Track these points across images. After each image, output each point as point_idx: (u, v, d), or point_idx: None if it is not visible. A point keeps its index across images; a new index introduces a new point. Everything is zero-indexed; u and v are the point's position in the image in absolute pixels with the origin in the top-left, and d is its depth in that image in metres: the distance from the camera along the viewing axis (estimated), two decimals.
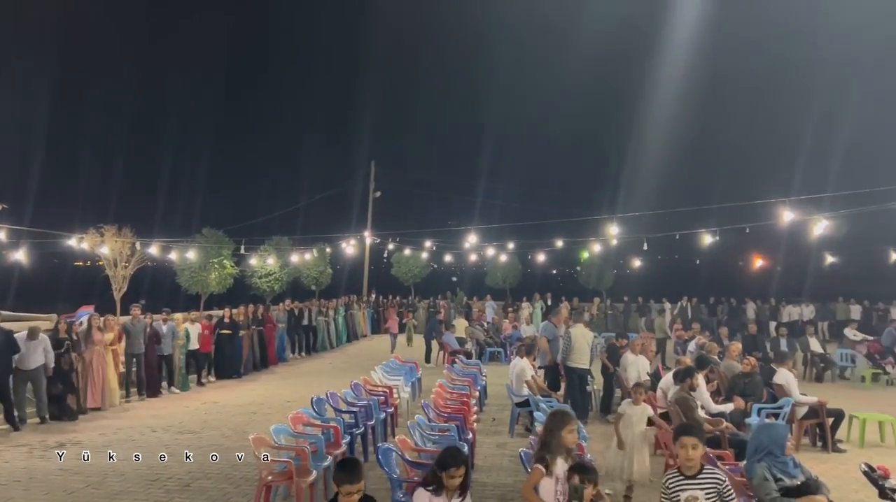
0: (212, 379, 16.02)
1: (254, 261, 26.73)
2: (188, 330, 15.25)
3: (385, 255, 33.55)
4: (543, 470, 4.36)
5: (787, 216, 14.20)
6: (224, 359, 16.44)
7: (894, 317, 26.49)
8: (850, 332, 17.94)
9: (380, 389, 10.78)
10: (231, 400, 13.35)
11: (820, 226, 13.87)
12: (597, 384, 12.70)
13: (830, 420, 9.76)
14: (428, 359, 18.90)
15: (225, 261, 24.74)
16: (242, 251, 25.31)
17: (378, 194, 34.50)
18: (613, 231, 20.98)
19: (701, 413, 8.61)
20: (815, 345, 17.33)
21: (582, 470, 4.31)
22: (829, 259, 30.54)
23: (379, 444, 7.01)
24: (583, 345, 11.58)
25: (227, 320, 16.68)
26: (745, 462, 5.48)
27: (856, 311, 27.86)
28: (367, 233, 33.51)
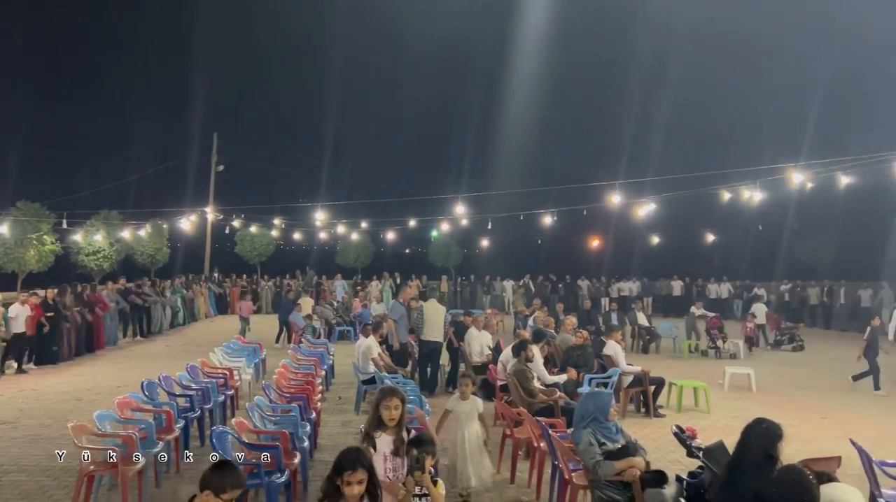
0: (32, 366, 14.63)
1: (79, 237, 24.68)
2: (5, 311, 13.83)
3: (227, 231, 32.12)
4: (371, 450, 4.30)
5: (616, 199, 15.18)
6: (43, 344, 15.05)
7: (711, 294, 29.23)
8: (696, 309, 19.32)
9: (219, 371, 10.36)
10: (52, 388, 12.29)
11: (645, 209, 14.96)
12: (443, 359, 12.98)
13: (652, 387, 10.58)
14: (277, 340, 18.44)
15: (45, 237, 22.65)
16: (65, 226, 23.28)
17: (221, 168, 32.99)
18: (460, 210, 21.45)
19: (537, 383, 9.04)
20: (641, 319, 18.75)
21: (419, 443, 4.34)
22: (654, 239, 33.12)
23: (213, 428, 6.73)
24: (435, 319, 11.82)
25: (50, 302, 15.27)
26: (572, 429, 5.79)
27: (677, 287, 30.44)
28: (208, 209, 31.97)
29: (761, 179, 15.47)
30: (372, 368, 10.59)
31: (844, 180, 14.35)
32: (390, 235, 32.49)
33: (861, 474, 5.73)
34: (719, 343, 17.12)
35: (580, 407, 5.64)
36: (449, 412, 6.62)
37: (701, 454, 4.87)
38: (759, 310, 19.73)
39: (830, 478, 4.06)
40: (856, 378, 13.12)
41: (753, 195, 16.34)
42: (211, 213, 32.06)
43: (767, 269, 31.40)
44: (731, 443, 4.56)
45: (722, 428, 9.32)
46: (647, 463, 5.53)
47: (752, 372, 12.91)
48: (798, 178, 14.63)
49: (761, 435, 4.26)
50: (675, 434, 5.42)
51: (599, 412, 5.47)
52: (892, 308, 19.65)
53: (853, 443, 6.03)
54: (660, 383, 10.78)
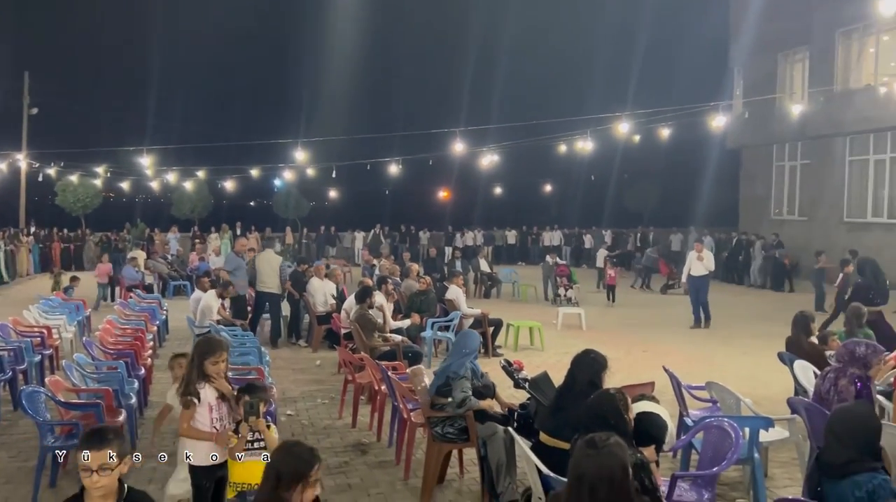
0: None
1: None
2: None
3: (40, 179, 29.11)
4: (195, 401, 4.12)
5: (458, 147, 15.43)
6: None
7: (545, 241, 30.68)
8: (550, 258, 19.71)
9: (35, 330, 9.51)
10: None
11: (487, 159, 15.36)
12: (285, 310, 12.73)
13: (491, 328, 11.00)
14: (104, 298, 17.17)
15: None
16: None
17: (35, 111, 29.80)
18: (302, 157, 20.88)
19: (387, 326, 9.11)
20: (484, 266, 19.45)
21: (251, 390, 4.21)
22: (497, 190, 34.17)
23: (22, 388, 6.17)
24: (267, 270, 11.51)
25: None
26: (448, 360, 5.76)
27: (511, 236, 31.73)
28: (21, 156, 28.85)
29: (592, 128, 16.33)
30: (207, 322, 10.17)
31: (666, 132, 15.46)
32: (230, 185, 31.05)
33: (673, 398, 6.31)
34: (561, 290, 16.68)
35: (464, 340, 5.67)
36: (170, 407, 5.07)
37: (527, 385, 5.11)
38: (600, 255, 20.76)
39: (645, 399, 4.48)
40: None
41: (585, 145, 17.21)
42: (24, 161, 28.96)
43: (598, 217, 33.48)
44: (559, 377, 4.82)
45: (553, 363, 9.86)
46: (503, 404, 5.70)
47: (583, 311, 13.78)
48: (625, 128, 15.56)
49: (588, 365, 4.52)
50: (504, 367, 5.66)
51: (471, 351, 5.57)
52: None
53: (665, 370, 6.62)
54: (498, 324, 11.23)
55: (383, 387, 6.89)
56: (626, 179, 36.85)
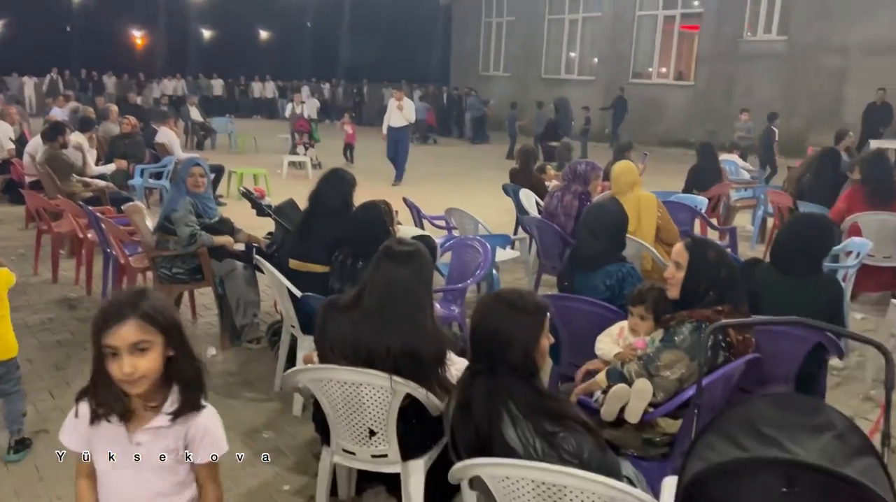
0: None
1: None
2: None
3: None
4: None
5: None
6: None
7: (255, 93, 28.79)
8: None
9: None
10: None
11: None
12: None
13: (213, 176, 10.07)
14: None
15: None
16: None
17: None
18: None
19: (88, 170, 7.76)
20: (195, 115, 17.76)
21: None
22: (207, 34, 30.91)
23: None
24: None
25: None
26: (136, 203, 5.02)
27: (218, 87, 29.42)
28: None
29: None
30: None
31: None
32: None
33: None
34: (300, 149, 14.26)
35: (182, 173, 4.92)
36: None
37: (272, 211, 4.67)
38: (311, 105, 19.93)
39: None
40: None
41: None
42: None
43: (319, 69, 32.29)
44: None
45: None
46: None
47: (308, 159, 13.30)
48: None
49: (338, 184, 4.18)
50: (244, 194, 5.12)
51: (184, 182, 4.83)
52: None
53: (405, 201, 6.58)
54: (219, 171, 10.34)
55: (90, 235, 5.91)
56: (345, 33, 35.76)
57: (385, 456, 2.70)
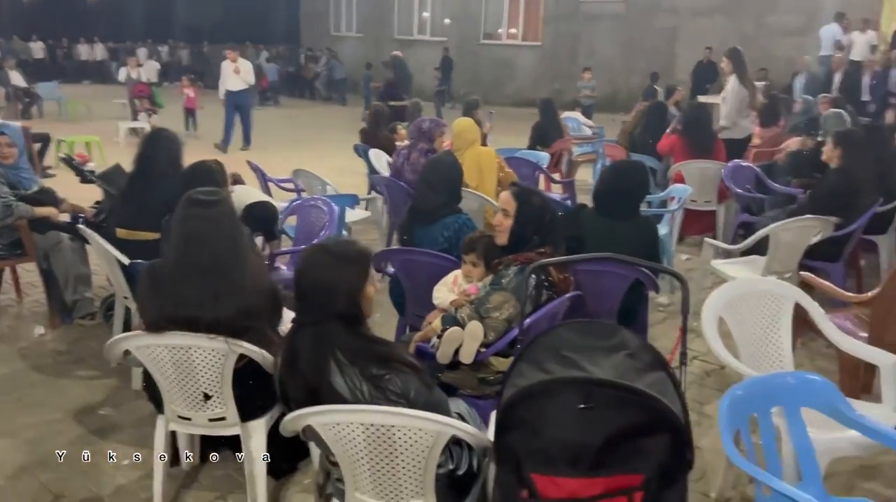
0: None
1: None
2: None
3: None
4: None
5: None
6: None
7: (82, 56, 26.57)
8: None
9: None
10: None
11: None
12: None
13: (37, 146, 9.30)
14: None
15: None
16: None
17: None
18: None
19: None
20: (17, 80, 16.25)
21: None
22: None
23: None
24: None
25: None
26: None
27: (38, 49, 26.94)
28: None
29: None
30: None
31: None
32: None
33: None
34: (142, 116, 13.33)
35: None
36: None
37: (96, 178, 4.38)
38: (150, 68, 18.58)
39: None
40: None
41: None
42: None
43: (154, 29, 30.18)
44: None
45: None
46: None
47: (147, 125, 12.52)
48: None
49: (164, 145, 3.98)
50: (65, 160, 4.78)
51: None
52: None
53: (249, 164, 6.39)
54: (44, 139, 9.56)
55: None
56: None
57: (223, 418, 2.66)
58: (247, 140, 12.32)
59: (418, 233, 3.60)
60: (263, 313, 2.56)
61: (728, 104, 7.34)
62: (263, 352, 2.51)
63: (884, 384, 2.74)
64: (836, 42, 13.48)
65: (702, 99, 13.30)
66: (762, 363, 2.93)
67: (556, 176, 8.45)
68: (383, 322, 4.62)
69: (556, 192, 7.47)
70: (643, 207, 5.82)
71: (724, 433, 1.96)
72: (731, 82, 7.32)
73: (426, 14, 22.80)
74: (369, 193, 6.99)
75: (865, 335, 3.31)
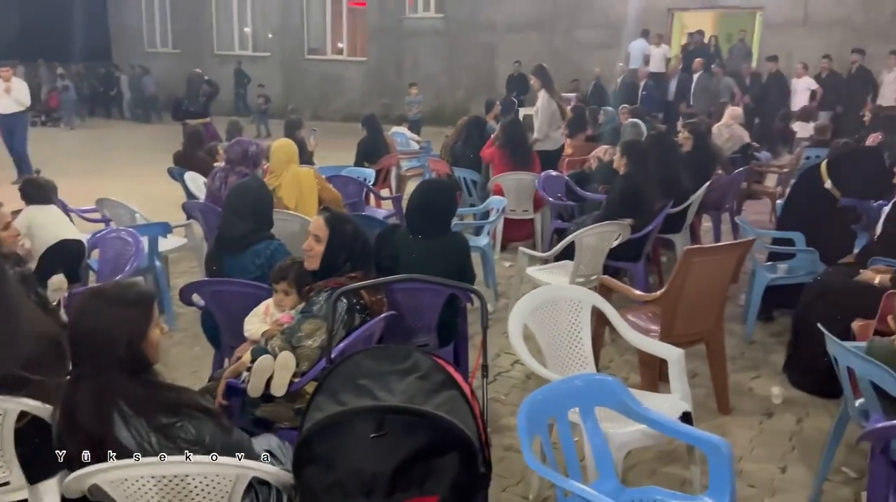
0: None
1: None
2: None
3: None
4: None
5: None
6: None
7: None
8: None
9: None
10: None
11: None
12: None
13: None
14: None
15: None
16: None
17: None
18: None
19: None
20: None
21: None
22: None
23: None
24: None
25: None
26: None
27: None
28: None
29: None
30: None
31: None
32: None
33: None
34: None
35: None
36: None
37: None
38: None
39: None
40: None
41: None
42: None
43: None
44: None
45: None
46: None
47: None
48: None
49: None
50: None
51: None
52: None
53: None
54: None
55: None
56: None
57: (6, 483, 2.40)
58: (20, 169, 10.68)
59: (228, 262, 3.46)
60: (46, 364, 2.33)
61: (539, 118, 7.77)
62: (48, 406, 2.29)
63: (672, 375, 3.00)
64: (645, 56, 14.77)
65: (523, 112, 14.02)
66: (567, 366, 3.10)
67: (385, 192, 8.54)
68: (203, 355, 4.43)
69: (385, 208, 7.53)
70: (456, 221, 6.06)
71: (523, 440, 2.05)
72: (541, 97, 7.77)
73: (247, 29, 22.19)
74: (189, 219, 6.65)
75: (658, 329, 3.61)
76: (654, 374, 3.45)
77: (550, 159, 7.74)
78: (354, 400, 1.69)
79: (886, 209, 4.35)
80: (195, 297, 3.53)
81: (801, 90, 12.80)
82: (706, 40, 15.40)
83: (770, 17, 14.95)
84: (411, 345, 2.87)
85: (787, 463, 3.37)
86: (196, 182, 6.67)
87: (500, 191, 6.74)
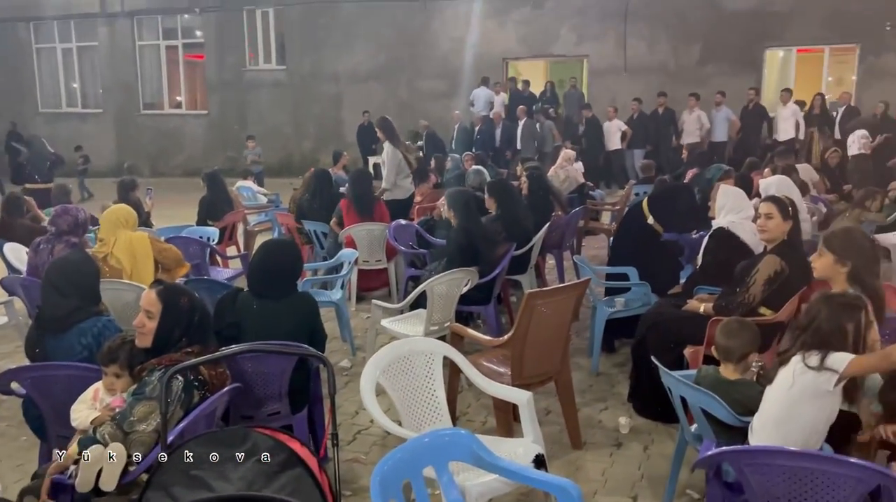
0: None
1: None
2: None
3: None
4: None
5: None
6: None
7: None
8: None
9: None
10: None
11: None
12: None
13: None
14: None
15: None
16: None
17: None
18: None
19: None
20: None
21: None
22: None
23: None
24: None
25: None
26: None
27: None
28: None
29: None
30: None
31: None
32: None
33: None
34: None
35: None
36: None
37: None
38: None
39: None
40: None
41: None
42: None
43: None
44: None
45: None
46: None
47: None
48: None
49: None
50: None
51: None
52: None
53: None
54: None
55: None
56: None
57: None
58: None
59: (50, 343, 3.17)
60: None
61: (386, 168, 7.85)
62: None
63: (523, 419, 3.06)
64: (489, 102, 15.45)
65: (373, 160, 14.13)
66: (422, 420, 3.09)
67: (232, 250, 8.24)
68: (29, 447, 4.01)
69: (233, 268, 7.26)
70: (309, 275, 5.94)
71: None
72: (386, 148, 7.87)
73: (75, 85, 20.91)
74: (10, 296, 6.06)
75: (510, 372, 3.70)
76: (509, 417, 3.51)
77: (403, 207, 7.83)
78: (187, 494, 1.58)
79: (705, 240, 4.77)
80: (14, 386, 3.20)
81: (614, 131, 14.17)
82: (544, 87, 16.43)
83: (595, 64, 16.18)
84: (249, 424, 2.72)
85: (637, 491, 3.52)
86: (17, 253, 6.11)
87: (350, 243, 6.71)
